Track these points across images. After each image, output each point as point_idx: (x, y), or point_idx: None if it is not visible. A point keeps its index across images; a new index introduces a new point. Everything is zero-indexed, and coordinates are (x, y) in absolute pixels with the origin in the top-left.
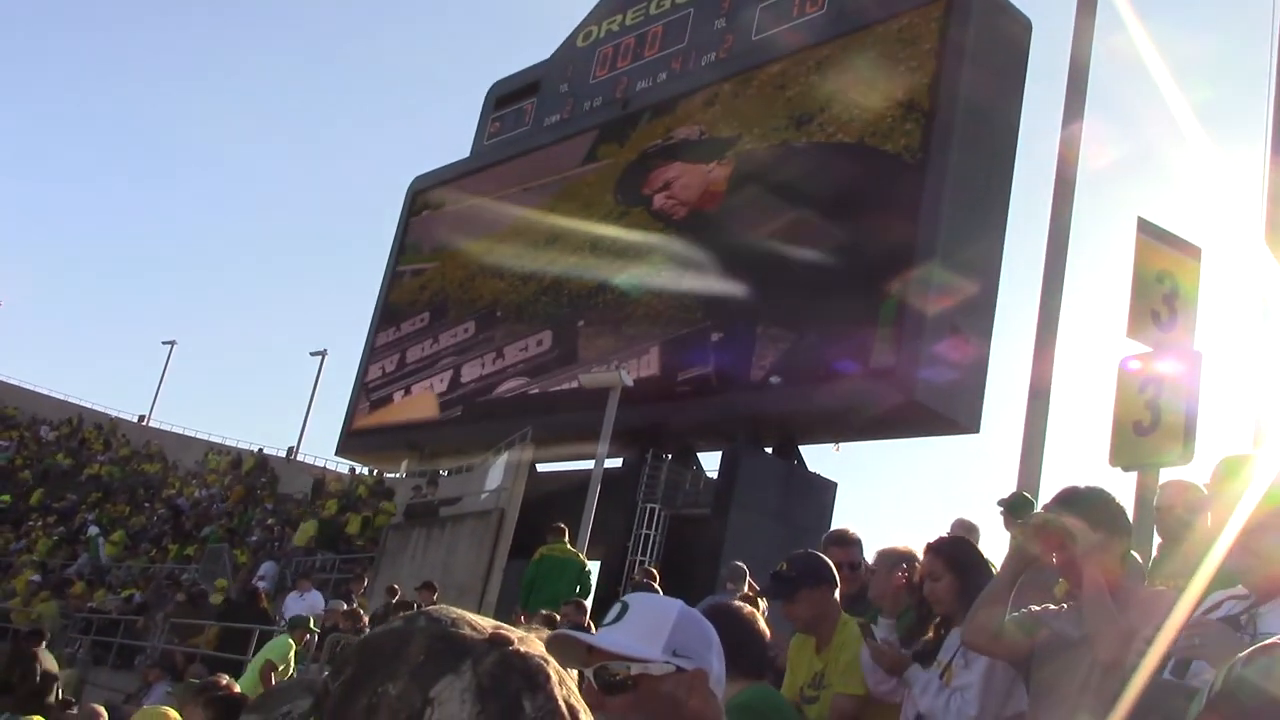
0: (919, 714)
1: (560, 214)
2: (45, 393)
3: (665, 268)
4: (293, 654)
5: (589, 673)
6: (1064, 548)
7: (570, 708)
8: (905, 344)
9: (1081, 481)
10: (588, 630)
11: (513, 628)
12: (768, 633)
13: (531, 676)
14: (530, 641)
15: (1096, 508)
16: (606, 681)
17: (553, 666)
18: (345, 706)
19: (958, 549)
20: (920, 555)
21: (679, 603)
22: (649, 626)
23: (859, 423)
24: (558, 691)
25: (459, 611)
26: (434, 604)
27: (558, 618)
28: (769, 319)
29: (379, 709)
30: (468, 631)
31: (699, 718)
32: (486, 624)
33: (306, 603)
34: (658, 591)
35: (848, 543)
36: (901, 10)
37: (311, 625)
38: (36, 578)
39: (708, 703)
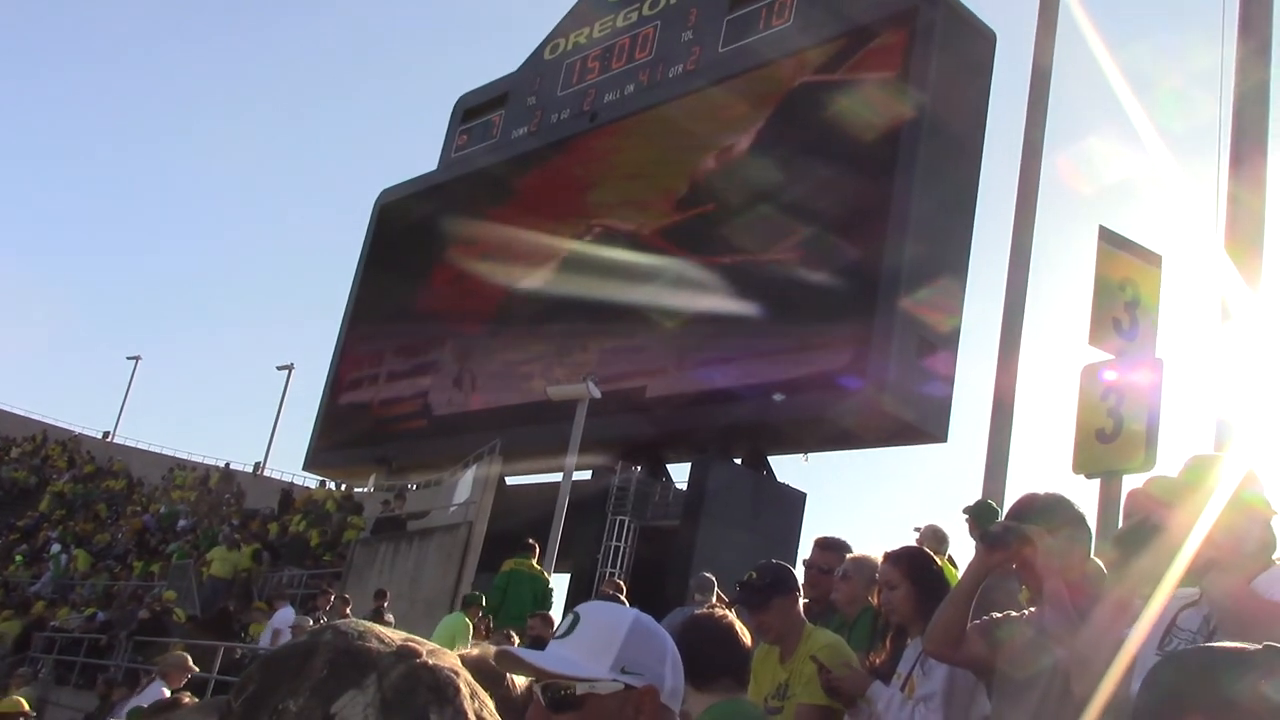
0: None
1: (530, 225)
2: (8, 409)
3: (636, 278)
4: (470, 631)
5: (537, 688)
6: (1025, 555)
7: None
8: (874, 356)
9: (1041, 489)
10: None
11: (423, 640)
12: (749, 642)
13: (440, 689)
14: (440, 654)
15: (1056, 515)
16: (554, 698)
17: (464, 678)
18: None
19: (915, 559)
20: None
21: (632, 615)
22: (598, 642)
23: (828, 433)
24: (468, 705)
25: (368, 624)
26: (384, 611)
27: (516, 640)
28: (738, 331)
29: None
30: (374, 644)
31: None
32: (396, 636)
33: (280, 616)
34: (624, 603)
35: (833, 548)
36: (868, 22)
37: (483, 602)
38: None
39: None
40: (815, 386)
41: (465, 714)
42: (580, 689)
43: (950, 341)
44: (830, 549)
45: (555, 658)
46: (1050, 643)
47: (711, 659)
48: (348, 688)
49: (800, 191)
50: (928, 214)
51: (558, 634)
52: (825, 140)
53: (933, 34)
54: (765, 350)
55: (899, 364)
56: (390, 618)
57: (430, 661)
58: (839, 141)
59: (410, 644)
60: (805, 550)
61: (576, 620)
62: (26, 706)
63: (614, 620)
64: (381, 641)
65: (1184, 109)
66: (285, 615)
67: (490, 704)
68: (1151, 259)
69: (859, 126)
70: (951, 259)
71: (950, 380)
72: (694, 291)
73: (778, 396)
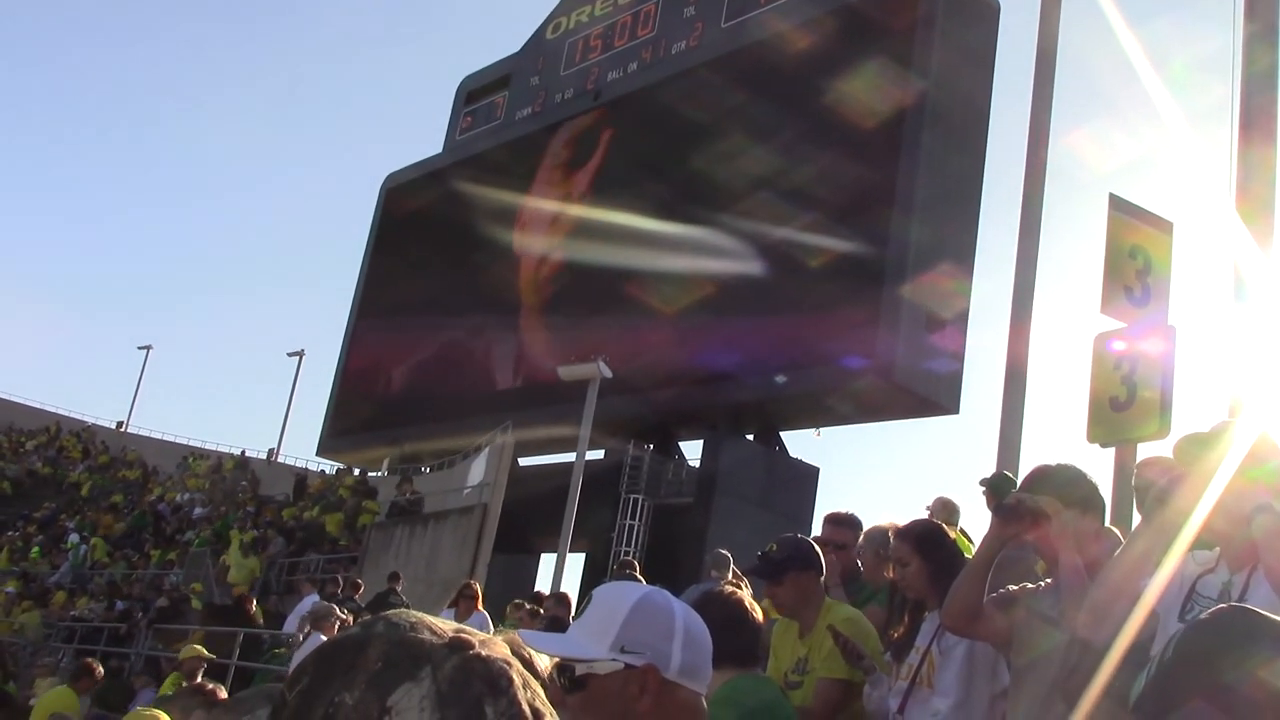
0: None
1: (536, 205)
2: (21, 401)
3: (645, 258)
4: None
5: (552, 670)
6: (1039, 526)
7: (535, 711)
8: (884, 328)
9: (1053, 459)
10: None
11: (475, 631)
12: (760, 618)
13: (494, 681)
14: (493, 644)
15: (1068, 485)
16: (564, 679)
17: (516, 669)
18: (302, 717)
19: (923, 533)
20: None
21: (640, 592)
22: (601, 622)
23: (838, 410)
24: (521, 695)
25: (420, 615)
26: (398, 593)
27: (541, 610)
28: (747, 307)
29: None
30: (427, 636)
31: (649, 717)
32: (448, 627)
33: (304, 603)
34: (639, 580)
35: (844, 524)
36: None
37: None
38: (11, 589)
39: (662, 699)
40: (822, 365)
41: (519, 704)
42: (579, 670)
43: (960, 314)
44: (841, 524)
45: (559, 639)
46: (1049, 626)
47: (721, 636)
48: (403, 680)
49: (807, 164)
50: (934, 188)
51: (575, 615)
52: (829, 117)
53: (936, 7)
54: (772, 330)
55: (907, 341)
56: (405, 599)
57: (483, 653)
58: (843, 118)
59: (462, 635)
60: (818, 525)
61: (589, 601)
62: (205, 651)
63: (618, 600)
64: (433, 633)
65: (1194, 86)
66: (310, 602)
67: (541, 693)
68: (1162, 226)
69: (863, 102)
70: (959, 231)
71: (960, 355)
72: (702, 272)
73: (780, 379)
